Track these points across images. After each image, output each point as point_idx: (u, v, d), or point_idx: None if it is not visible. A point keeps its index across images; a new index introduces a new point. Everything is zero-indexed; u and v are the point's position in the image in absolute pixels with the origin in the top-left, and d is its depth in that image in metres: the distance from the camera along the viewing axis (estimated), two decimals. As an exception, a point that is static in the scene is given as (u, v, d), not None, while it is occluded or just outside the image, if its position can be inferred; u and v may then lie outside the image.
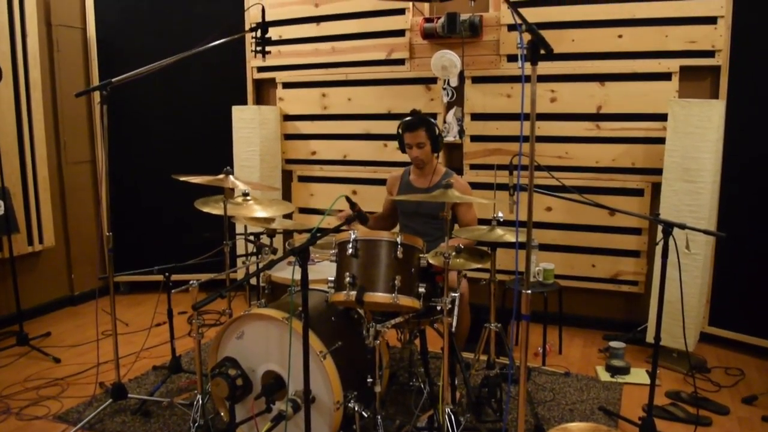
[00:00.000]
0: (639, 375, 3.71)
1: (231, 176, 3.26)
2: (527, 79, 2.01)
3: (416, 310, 2.70)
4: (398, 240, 2.65)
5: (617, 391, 3.53)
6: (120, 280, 5.31)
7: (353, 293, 2.59)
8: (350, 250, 2.66)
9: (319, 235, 2.49)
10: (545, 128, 4.38)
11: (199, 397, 2.99)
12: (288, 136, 5.26)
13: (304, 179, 5.27)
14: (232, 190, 3.38)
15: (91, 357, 4.01)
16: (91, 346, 4.26)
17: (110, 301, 3.33)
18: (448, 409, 2.70)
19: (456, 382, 3.16)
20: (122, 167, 5.15)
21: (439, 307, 2.70)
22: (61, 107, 4.96)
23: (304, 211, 5.27)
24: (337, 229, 2.60)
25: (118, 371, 3.33)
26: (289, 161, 5.29)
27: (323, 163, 5.16)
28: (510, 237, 2.97)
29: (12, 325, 4.38)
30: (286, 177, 5.31)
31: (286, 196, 5.30)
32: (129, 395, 3.34)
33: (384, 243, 2.66)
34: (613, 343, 3.80)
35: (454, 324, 2.59)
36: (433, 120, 3.50)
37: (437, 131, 3.46)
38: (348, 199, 2.71)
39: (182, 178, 3.21)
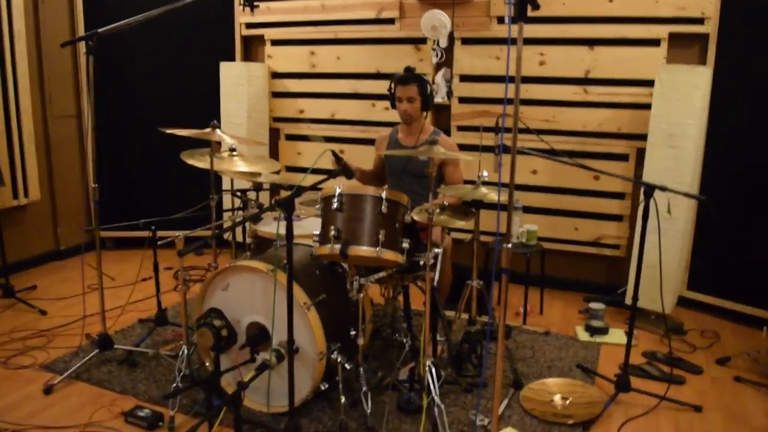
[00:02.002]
0: (617, 335, 3.80)
1: (218, 130, 3.26)
2: (513, 40, 2.02)
3: (399, 264, 2.74)
4: (383, 195, 2.68)
5: (595, 350, 3.61)
6: (106, 235, 5.31)
7: (338, 246, 2.63)
8: (335, 204, 2.69)
9: (304, 188, 2.50)
10: (533, 91, 4.39)
11: (184, 347, 3.04)
12: (276, 94, 5.23)
13: (291, 137, 5.26)
14: (219, 144, 3.38)
15: (76, 310, 4.04)
16: (77, 299, 4.28)
17: (96, 255, 3.35)
18: (429, 363, 2.75)
19: (437, 337, 3.23)
20: (108, 121, 5.12)
21: (422, 262, 2.74)
22: (46, 60, 4.89)
23: (291, 169, 5.27)
24: (322, 181, 2.62)
25: (104, 322, 3.36)
26: (276, 119, 5.27)
27: (311, 121, 5.15)
28: (495, 196, 3.01)
29: (1, 276, 4.38)
30: (274, 135, 5.30)
31: (273, 154, 5.29)
32: (115, 346, 3.38)
33: (369, 198, 2.69)
34: (593, 305, 3.88)
35: (436, 279, 2.64)
36: (426, 78, 3.51)
37: (429, 89, 3.47)
38: (334, 153, 2.72)
39: (168, 131, 3.20)
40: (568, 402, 2.97)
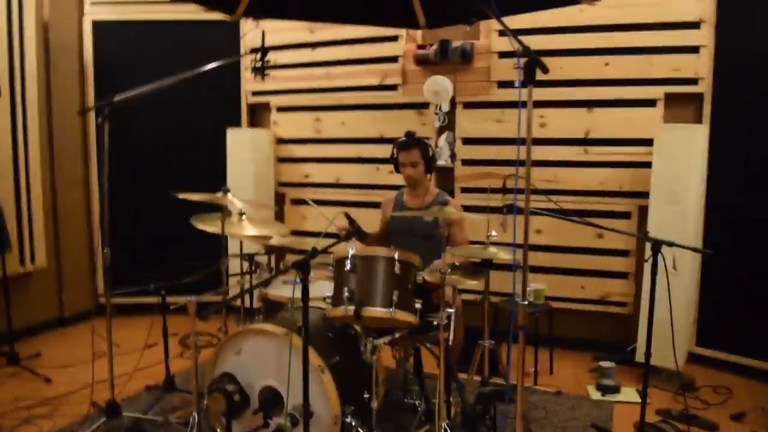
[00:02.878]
0: (629, 394, 3.76)
1: (229, 194, 3.32)
2: (524, 103, 2.10)
3: (413, 325, 2.74)
4: (396, 256, 2.71)
5: (608, 410, 3.57)
6: (115, 302, 5.28)
7: (351, 307, 2.64)
8: (348, 266, 2.72)
9: (320, 251, 2.54)
10: (535, 152, 4.43)
11: (195, 414, 3.00)
12: (282, 159, 5.33)
13: (297, 202, 5.32)
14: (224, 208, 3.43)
15: (82, 377, 3.99)
16: (82, 367, 4.24)
17: (107, 321, 3.35)
18: (444, 425, 2.73)
19: (450, 399, 3.19)
20: (117, 188, 5.17)
21: (435, 322, 2.75)
22: (57, 127, 4.99)
23: (297, 233, 5.32)
24: (336, 243, 2.65)
25: (112, 389, 3.32)
26: (282, 184, 5.35)
27: (316, 186, 5.22)
28: (503, 255, 3.04)
29: (2, 344, 4.35)
30: (279, 200, 5.36)
31: (279, 218, 5.34)
32: (123, 413, 3.33)
33: (382, 259, 2.72)
34: (603, 363, 3.86)
35: (450, 338, 2.64)
36: (427, 141, 3.59)
37: (431, 152, 3.55)
38: (347, 215, 2.77)
39: (181, 196, 3.26)
40: (584, 464, 2.93)
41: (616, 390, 3.77)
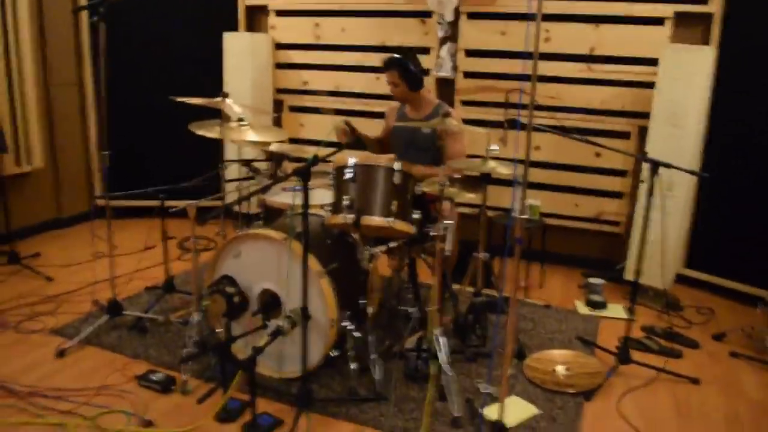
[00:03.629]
0: (616, 310, 3.88)
1: (227, 100, 3.28)
2: (530, 16, 2.05)
3: (410, 235, 2.79)
4: (396, 166, 2.72)
5: (594, 324, 3.70)
6: (113, 204, 5.31)
7: (351, 216, 2.68)
8: (349, 175, 2.73)
9: (320, 158, 2.54)
10: (538, 67, 4.40)
11: (195, 314, 3.09)
12: (279, 65, 5.23)
13: (295, 109, 5.26)
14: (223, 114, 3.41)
15: (82, 277, 4.07)
16: (82, 266, 4.32)
17: (107, 222, 3.39)
18: (437, 332, 2.82)
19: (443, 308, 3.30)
20: (111, 89, 5.08)
21: (432, 233, 2.79)
22: (48, 27, 4.85)
23: (294, 141, 5.29)
24: (336, 151, 2.65)
25: (113, 287, 3.40)
26: (280, 90, 5.27)
27: (315, 93, 5.15)
28: (502, 169, 3.04)
29: (3, 244, 4.40)
30: (277, 107, 5.30)
31: (276, 125, 5.30)
32: (125, 312, 3.42)
33: (382, 169, 2.73)
34: (592, 280, 3.96)
35: (447, 248, 2.69)
36: (408, 60, 3.44)
37: (413, 69, 3.45)
38: (347, 123, 2.75)
39: (179, 99, 3.22)
40: (570, 372, 3.06)
41: (603, 306, 3.89)
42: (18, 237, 4.67)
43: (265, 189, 3.00)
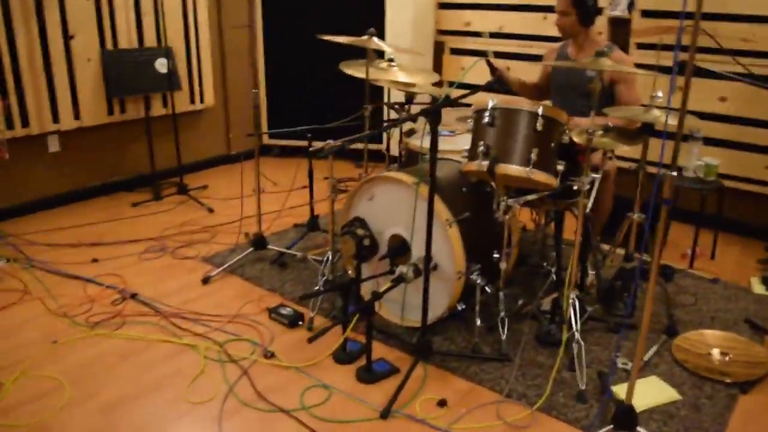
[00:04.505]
0: (801, 291, 3.33)
1: (375, 38, 3.18)
2: None
3: (552, 187, 2.54)
4: (539, 111, 2.47)
5: (771, 305, 3.21)
6: (272, 142, 5.54)
7: (485, 163, 2.49)
8: (487, 119, 2.54)
9: (453, 99, 2.37)
10: (728, 3, 3.80)
11: (329, 253, 3.11)
12: (442, 5, 5.03)
13: (456, 52, 5.05)
14: (380, 54, 3.31)
15: (238, 211, 4.27)
16: (244, 200, 4.54)
17: (255, 160, 3.49)
18: (573, 295, 2.58)
19: (588, 270, 3.02)
20: (278, 31, 5.22)
21: (575, 187, 2.52)
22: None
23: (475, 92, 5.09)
24: (473, 92, 2.46)
25: (260, 223, 3.52)
26: (441, 32, 5.08)
27: (477, 35, 4.90)
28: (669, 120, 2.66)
29: (174, 176, 4.75)
30: (438, 49, 5.12)
31: (437, 68, 5.14)
32: (269, 246, 3.54)
33: (523, 113, 2.50)
34: (777, 254, 3.42)
35: (589, 206, 2.42)
36: None
37: (589, 1, 3.10)
38: (488, 62, 2.53)
39: (325, 38, 3.18)
40: (727, 358, 2.67)
41: (785, 284, 3.36)
42: (188, 171, 5.03)
43: (391, 128, 2.87)
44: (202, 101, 5.06)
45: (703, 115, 3.97)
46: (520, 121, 2.50)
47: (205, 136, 5.27)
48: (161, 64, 4.52)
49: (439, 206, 2.58)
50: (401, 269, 2.60)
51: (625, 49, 4.09)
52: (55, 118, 4.18)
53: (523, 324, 2.87)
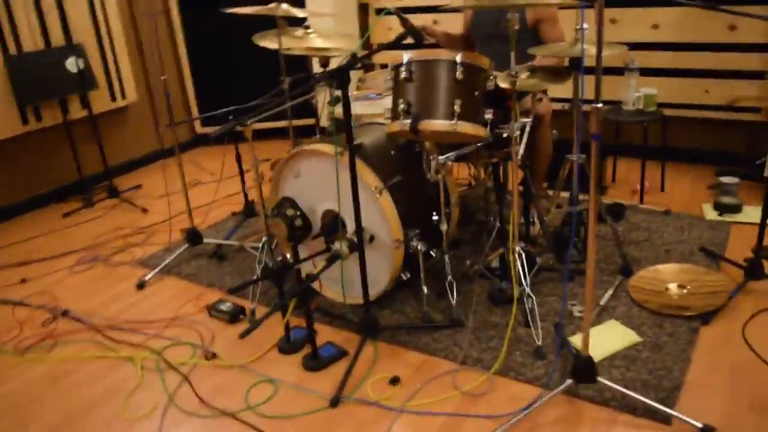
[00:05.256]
0: (752, 214, 3.25)
1: (284, 4, 2.97)
2: None
3: (482, 138, 2.40)
4: (458, 58, 2.31)
5: (724, 231, 3.13)
6: (206, 131, 5.30)
7: (407, 121, 2.33)
8: (403, 74, 2.37)
9: (359, 57, 2.19)
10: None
11: (264, 238, 2.94)
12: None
13: (380, 11, 4.84)
14: (296, 21, 3.10)
15: (176, 207, 4.04)
16: (178, 196, 4.31)
17: (176, 152, 3.29)
18: (518, 248, 2.46)
19: (533, 220, 2.90)
20: (193, 15, 4.96)
21: (505, 135, 2.38)
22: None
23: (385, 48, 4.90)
24: (382, 48, 2.28)
25: (191, 217, 3.32)
26: (364, -8, 4.86)
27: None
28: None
29: (104, 180, 4.49)
30: (362, 11, 4.90)
31: (364, 32, 4.92)
32: (204, 240, 3.35)
33: (441, 62, 2.34)
34: (725, 179, 3.34)
35: (521, 152, 2.28)
36: None
37: None
38: (397, 13, 2.35)
39: (228, 11, 2.96)
40: (685, 291, 2.58)
41: (736, 209, 3.28)
42: (120, 172, 4.78)
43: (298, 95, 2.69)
44: (123, 97, 4.78)
45: (636, 45, 3.86)
46: (438, 72, 2.34)
47: (133, 133, 5.00)
48: (72, 64, 4.24)
49: (366, 173, 2.42)
50: (335, 246, 2.44)
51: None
52: (-36, 136, 3.90)
53: (474, 285, 2.74)
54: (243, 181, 3.52)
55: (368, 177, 2.42)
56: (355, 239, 2.41)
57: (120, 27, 4.68)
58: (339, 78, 2.04)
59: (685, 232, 3.12)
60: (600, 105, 1.75)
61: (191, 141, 5.38)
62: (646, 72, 3.77)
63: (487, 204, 3.18)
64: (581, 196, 2.87)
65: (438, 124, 2.31)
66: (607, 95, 3.95)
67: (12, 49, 4.07)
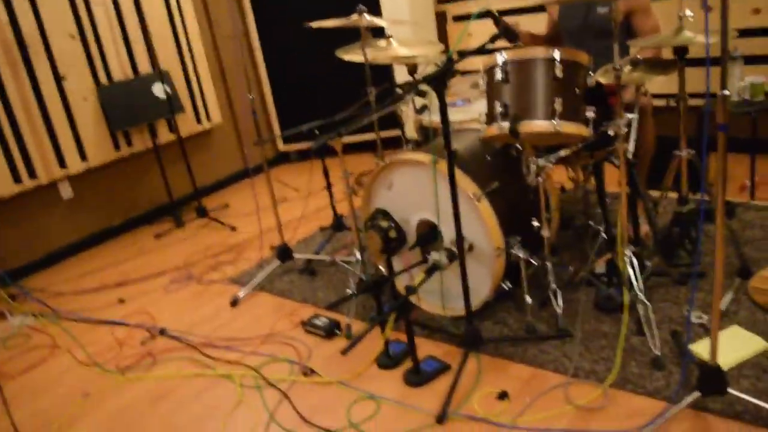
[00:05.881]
0: None
1: (366, 14, 2.95)
2: None
3: (585, 138, 2.27)
4: (556, 56, 2.20)
5: None
6: (288, 148, 5.35)
7: (505, 124, 2.24)
8: (499, 75, 2.28)
9: (455, 60, 2.12)
10: None
11: (357, 252, 2.89)
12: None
13: (459, 19, 4.76)
14: (379, 31, 3.06)
15: (265, 223, 4.06)
16: (265, 213, 4.34)
17: (265, 170, 3.30)
18: (629, 252, 2.31)
19: (640, 222, 2.73)
20: (270, 34, 5.01)
21: (611, 133, 2.24)
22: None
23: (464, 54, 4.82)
24: (479, 50, 2.20)
25: (281, 234, 3.32)
26: (441, 0, 4.79)
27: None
28: (703, 38, 2.36)
29: (193, 200, 4.59)
30: (441, 19, 4.83)
31: (442, 40, 4.86)
32: (295, 256, 3.34)
33: (539, 61, 2.24)
34: None
35: (631, 149, 2.14)
36: None
37: None
38: (492, 14, 2.27)
39: (313, 25, 2.95)
40: (818, 292, 2.36)
41: None
42: (207, 192, 4.87)
43: (390, 106, 2.63)
44: (209, 119, 4.89)
45: (738, 33, 3.62)
46: (536, 71, 2.24)
47: (218, 154, 5.11)
48: (159, 90, 4.37)
49: (463, 180, 2.33)
50: (434, 256, 2.36)
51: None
52: (62, 163, 4.05)
53: (579, 293, 2.60)
54: (331, 195, 3.50)
55: (466, 184, 2.33)
56: (454, 248, 2.33)
57: (202, 51, 4.80)
58: (437, 84, 1.97)
59: (806, 229, 2.88)
60: (727, 92, 1.60)
61: (274, 159, 5.44)
62: (749, 60, 3.53)
63: (586, 207, 3.03)
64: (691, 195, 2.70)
65: (538, 124, 2.21)
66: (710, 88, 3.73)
67: (103, 79, 4.23)
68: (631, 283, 2.29)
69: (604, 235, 2.66)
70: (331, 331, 2.68)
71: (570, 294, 2.59)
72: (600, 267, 2.60)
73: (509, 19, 4.24)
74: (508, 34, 2.25)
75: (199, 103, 4.82)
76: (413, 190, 2.54)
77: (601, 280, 2.54)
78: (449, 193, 2.13)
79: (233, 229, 4.17)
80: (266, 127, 5.40)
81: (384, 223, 2.57)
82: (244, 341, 2.75)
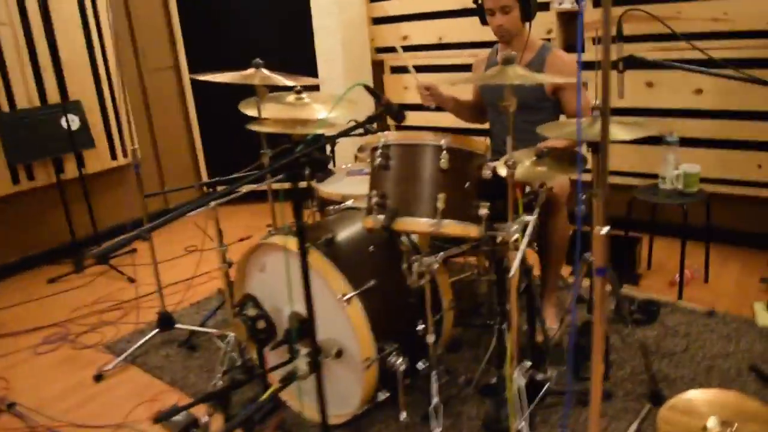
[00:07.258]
0: (818, 316, 2.72)
1: (263, 69, 2.64)
2: None
3: (472, 238, 1.98)
4: (442, 143, 1.91)
5: (782, 341, 2.60)
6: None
7: (381, 217, 1.93)
8: (379, 159, 1.97)
9: (327, 137, 1.82)
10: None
11: (230, 336, 2.56)
12: (376, 20, 4.49)
13: (397, 70, 4.51)
14: (293, 89, 2.76)
15: (168, 276, 3.70)
16: (170, 264, 4.00)
17: (145, 226, 2.94)
18: (518, 372, 2.00)
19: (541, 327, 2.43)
20: (202, 71, 4.69)
21: (499, 239, 1.95)
22: (135, 12, 4.54)
23: (357, 127, 4.55)
24: (356, 127, 1.90)
25: (161, 299, 2.98)
26: (379, 50, 4.54)
27: (416, 49, 4.35)
28: (621, 132, 2.08)
29: (94, 243, 4.22)
30: (377, 69, 4.58)
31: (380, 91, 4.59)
32: (176, 326, 2.99)
33: (422, 148, 1.94)
34: (782, 271, 2.82)
35: (513, 271, 1.83)
36: None
37: None
38: (367, 87, 1.97)
39: (201, 78, 2.64)
40: (731, 431, 2.06)
41: (797, 310, 2.75)
42: (115, 234, 4.48)
43: (254, 181, 2.31)
44: (125, 156, 4.53)
45: (677, 112, 3.40)
46: (419, 160, 1.94)
47: (135, 193, 4.73)
48: (68, 122, 4.01)
49: (333, 277, 2.02)
50: (294, 363, 2.03)
51: (571, 48, 3.54)
52: (-50, 196, 3.68)
53: (467, 405, 2.28)
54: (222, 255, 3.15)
55: (335, 282, 2.02)
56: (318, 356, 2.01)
57: (121, 83, 4.45)
58: (290, 176, 1.64)
59: (732, 342, 2.59)
60: (606, 229, 1.31)
61: (202, 200, 5.07)
62: (687, 142, 3.30)
63: (491, 300, 2.73)
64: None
65: (417, 222, 1.90)
66: (643, 167, 3.50)
67: (5, 106, 3.87)
68: (516, 408, 1.98)
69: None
70: (186, 430, 2.32)
71: (458, 407, 2.27)
72: (495, 377, 2.28)
73: (444, 76, 4.01)
74: (391, 112, 1.95)
75: (116, 138, 4.47)
76: (285, 278, 2.21)
77: (496, 393, 2.22)
78: (320, 287, 1.81)
79: (132, 281, 3.81)
80: (193, 165, 5.06)
81: (252, 312, 2.25)
82: (94, 430, 2.39)
